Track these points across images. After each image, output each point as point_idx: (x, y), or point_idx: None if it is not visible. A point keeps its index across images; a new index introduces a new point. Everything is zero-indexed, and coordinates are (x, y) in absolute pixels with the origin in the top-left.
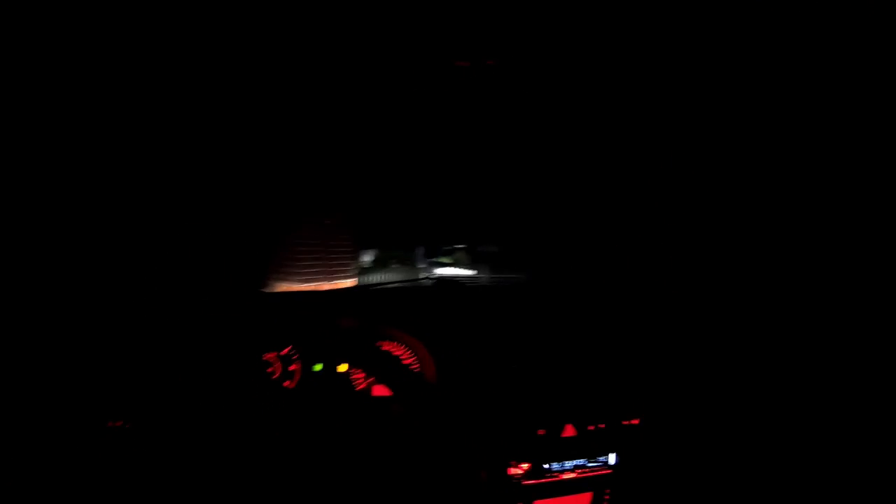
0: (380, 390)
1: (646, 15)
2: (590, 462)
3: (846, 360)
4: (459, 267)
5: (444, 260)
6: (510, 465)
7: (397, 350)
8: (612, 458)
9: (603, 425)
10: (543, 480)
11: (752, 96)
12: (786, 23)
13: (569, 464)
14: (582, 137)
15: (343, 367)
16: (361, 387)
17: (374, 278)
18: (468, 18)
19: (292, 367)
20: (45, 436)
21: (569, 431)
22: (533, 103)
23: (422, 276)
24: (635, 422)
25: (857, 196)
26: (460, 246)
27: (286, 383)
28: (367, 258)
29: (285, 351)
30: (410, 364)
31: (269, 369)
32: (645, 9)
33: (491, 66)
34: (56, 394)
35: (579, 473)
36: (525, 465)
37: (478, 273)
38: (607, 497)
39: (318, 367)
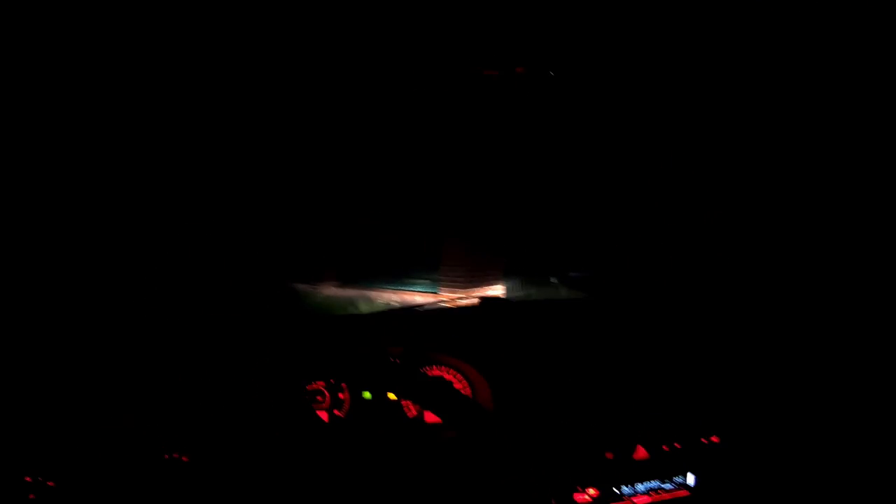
0: (433, 417)
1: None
2: (665, 483)
3: None
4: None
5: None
6: (576, 492)
7: (447, 375)
8: (690, 479)
9: (679, 445)
10: None
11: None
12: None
13: (641, 487)
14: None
15: (392, 396)
16: (413, 414)
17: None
18: None
19: (341, 396)
20: (101, 468)
21: (640, 453)
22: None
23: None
24: (715, 439)
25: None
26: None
27: (336, 412)
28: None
29: (333, 379)
30: (461, 389)
31: (319, 397)
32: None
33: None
34: (110, 425)
35: (653, 496)
36: (593, 491)
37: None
38: None
39: (367, 394)
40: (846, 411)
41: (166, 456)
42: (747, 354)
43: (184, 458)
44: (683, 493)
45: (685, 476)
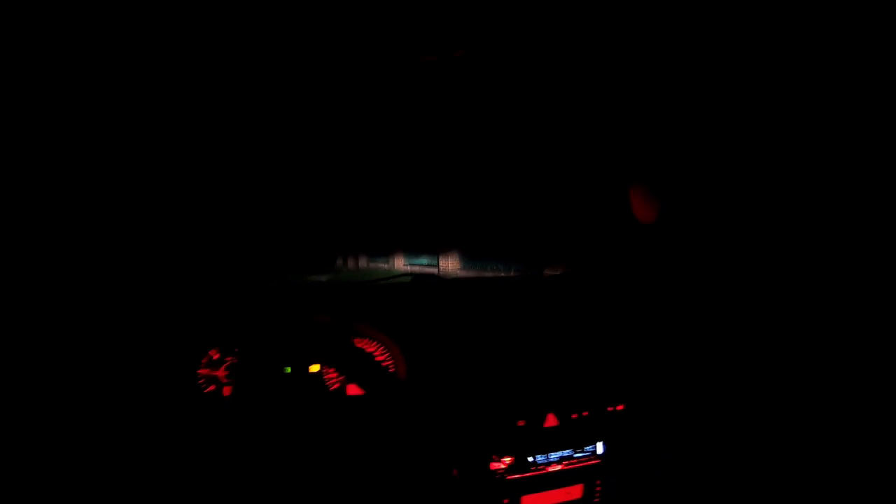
0: (355, 389)
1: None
2: (577, 453)
3: (835, 350)
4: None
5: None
6: (492, 460)
7: (370, 347)
8: (599, 448)
9: (587, 413)
10: (529, 474)
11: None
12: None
13: (554, 455)
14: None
15: (315, 368)
16: (335, 387)
17: None
18: None
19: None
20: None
21: (551, 421)
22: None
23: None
24: (620, 408)
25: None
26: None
27: (250, 387)
28: None
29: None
30: (383, 361)
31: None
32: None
33: None
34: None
35: (566, 465)
36: (507, 459)
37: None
38: (598, 488)
39: (288, 369)
40: (747, 380)
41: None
42: (653, 325)
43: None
44: (595, 461)
45: (595, 445)
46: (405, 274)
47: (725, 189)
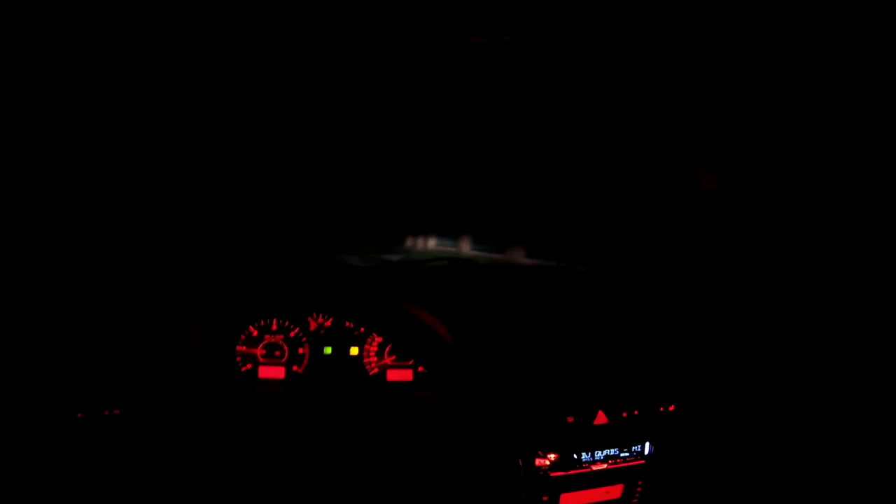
0: (395, 375)
1: None
2: (622, 452)
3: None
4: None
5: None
6: (537, 456)
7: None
8: (646, 448)
9: (637, 412)
10: (572, 472)
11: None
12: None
13: (600, 454)
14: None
15: (354, 351)
16: (374, 371)
17: None
18: None
19: (301, 351)
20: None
21: (600, 419)
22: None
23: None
24: (671, 408)
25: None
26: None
27: (294, 367)
28: None
29: (293, 333)
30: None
31: (277, 352)
32: None
33: None
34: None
35: (611, 464)
36: (552, 456)
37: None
38: (639, 490)
39: (328, 350)
40: (802, 390)
41: (106, 412)
42: (710, 325)
43: (116, 412)
44: (639, 462)
45: (642, 445)
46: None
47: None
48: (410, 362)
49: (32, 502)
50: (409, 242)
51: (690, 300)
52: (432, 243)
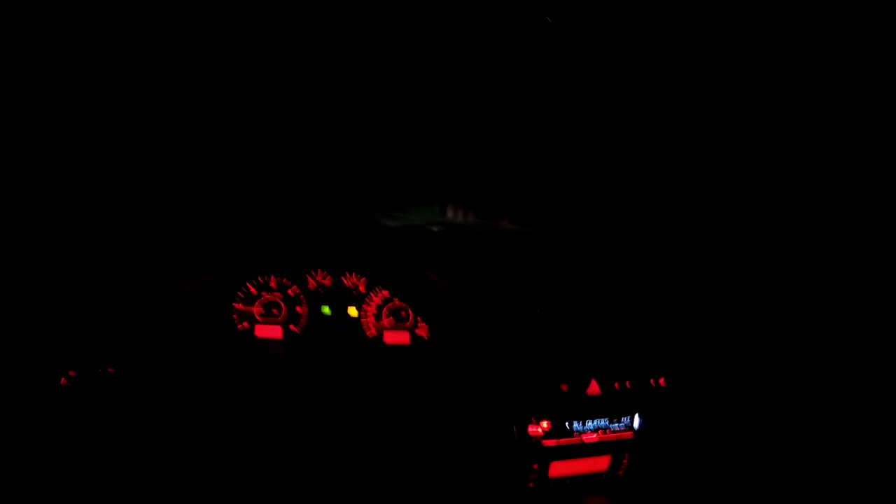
0: (392, 338)
1: None
2: (613, 423)
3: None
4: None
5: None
6: (530, 423)
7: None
8: (636, 421)
9: (629, 384)
10: (564, 441)
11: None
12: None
13: (591, 424)
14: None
15: (353, 312)
16: (372, 333)
17: None
18: None
19: (299, 310)
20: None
21: (594, 388)
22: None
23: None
24: (662, 382)
25: None
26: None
27: (292, 327)
28: None
29: (292, 292)
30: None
31: (275, 311)
32: None
33: None
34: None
35: (601, 436)
36: (545, 423)
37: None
38: (625, 462)
39: (327, 309)
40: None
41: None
42: (704, 307)
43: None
44: (628, 434)
45: (632, 418)
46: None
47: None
48: (408, 325)
49: (24, 465)
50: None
51: (690, 277)
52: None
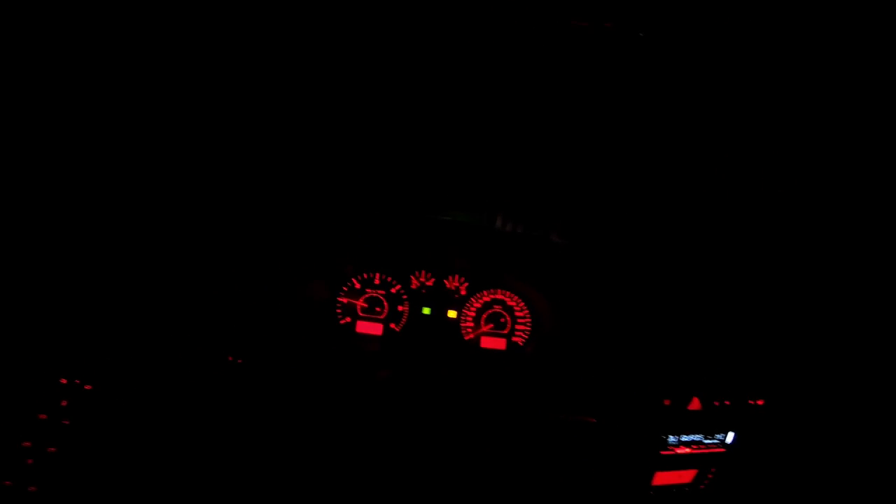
0: (489, 343)
1: None
2: (706, 439)
3: None
4: None
5: None
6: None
7: (509, 301)
8: (729, 437)
9: (728, 402)
10: (662, 453)
11: None
12: None
13: (686, 438)
14: None
15: (453, 314)
16: (469, 337)
17: None
18: None
19: (400, 308)
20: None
21: (695, 405)
22: None
23: None
24: (760, 402)
25: None
26: None
27: (392, 325)
28: None
29: (395, 290)
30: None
31: (377, 308)
32: None
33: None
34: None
35: (693, 449)
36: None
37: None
38: (710, 476)
39: (427, 310)
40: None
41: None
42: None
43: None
44: (720, 450)
45: (726, 434)
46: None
47: None
48: (506, 331)
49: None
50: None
51: (795, 302)
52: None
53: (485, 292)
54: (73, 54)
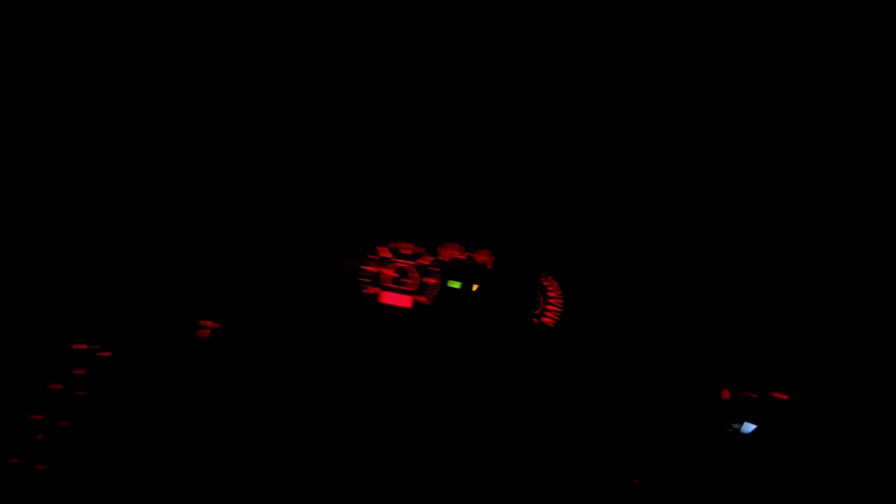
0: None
1: None
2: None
3: None
4: None
5: None
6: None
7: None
8: (747, 427)
9: (755, 394)
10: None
11: None
12: None
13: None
14: None
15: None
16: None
17: None
18: None
19: (431, 281)
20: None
21: (725, 395)
22: None
23: None
24: (784, 397)
25: None
26: None
27: (420, 298)
28: None
29: (426, 261)
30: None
31: (407, 280)
32: None
33: None
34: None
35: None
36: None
37: None
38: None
39: (456, 284)
40: None
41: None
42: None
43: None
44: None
45: (743, 424)
46: None
47: None
48: (537, 311)
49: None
50: None
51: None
52: None
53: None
54: (73, 54)
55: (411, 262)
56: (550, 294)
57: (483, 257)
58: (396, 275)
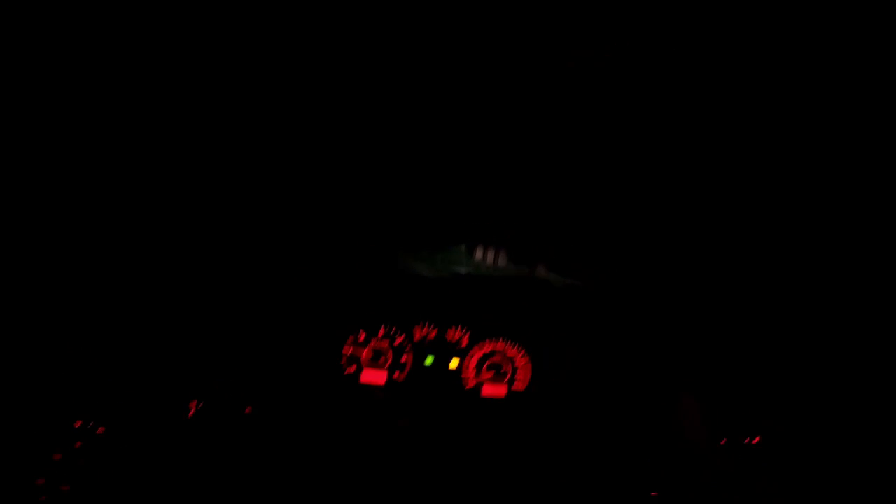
0: (489, 391)
1: None
2: None
3: None
4: None
5: None
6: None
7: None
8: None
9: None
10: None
11: None
12: None
13: None
14: None
15: (454, 364)
16: (471, 386)
17: None
18: None
19: (403, 359)
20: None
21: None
22: None
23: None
24: (756, 440)
25: None
26: None
27: (395, 374)
28: None
29: (398, 341)
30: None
31: (382, 359)
32: None
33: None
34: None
35: None
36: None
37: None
38: None
39: (430, 360)
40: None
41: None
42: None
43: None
44: None
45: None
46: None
47: None
48: (506, 379)
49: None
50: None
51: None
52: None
53: (486, 342)
54: (73, 54)
55: (385, 342)
56: (519, 364)
57: (457, 334)
58: (371, 354)
